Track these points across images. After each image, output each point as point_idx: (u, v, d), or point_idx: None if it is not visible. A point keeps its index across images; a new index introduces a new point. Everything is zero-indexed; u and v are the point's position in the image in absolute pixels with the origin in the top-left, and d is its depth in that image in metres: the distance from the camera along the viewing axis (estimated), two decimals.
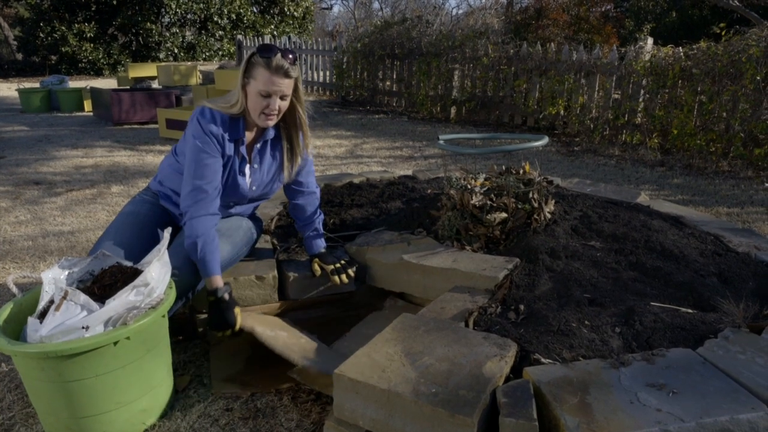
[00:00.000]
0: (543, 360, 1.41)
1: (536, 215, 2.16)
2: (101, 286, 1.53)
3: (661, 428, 1.14)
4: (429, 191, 2.79)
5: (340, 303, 2.16)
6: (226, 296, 1.74)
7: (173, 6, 15.56)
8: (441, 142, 2.46)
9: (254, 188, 1.98)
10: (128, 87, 8.20)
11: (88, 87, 7.86)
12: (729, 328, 1.53)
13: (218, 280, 1.76)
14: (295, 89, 1.83)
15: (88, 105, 7.96)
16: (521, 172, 2.39)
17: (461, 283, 1.88)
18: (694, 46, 5.30)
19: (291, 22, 18.27)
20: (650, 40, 6.04)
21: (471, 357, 1.40)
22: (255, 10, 17.83)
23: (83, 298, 1.39)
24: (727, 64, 4.93)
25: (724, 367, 1.35)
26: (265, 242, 2.26)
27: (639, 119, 5.75)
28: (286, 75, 1.74)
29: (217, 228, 1.84)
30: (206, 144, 1.77)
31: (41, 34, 14.78)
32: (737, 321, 1.58)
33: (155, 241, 1.74)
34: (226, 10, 16.74)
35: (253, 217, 2.14)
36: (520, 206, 2.16)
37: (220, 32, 17.11)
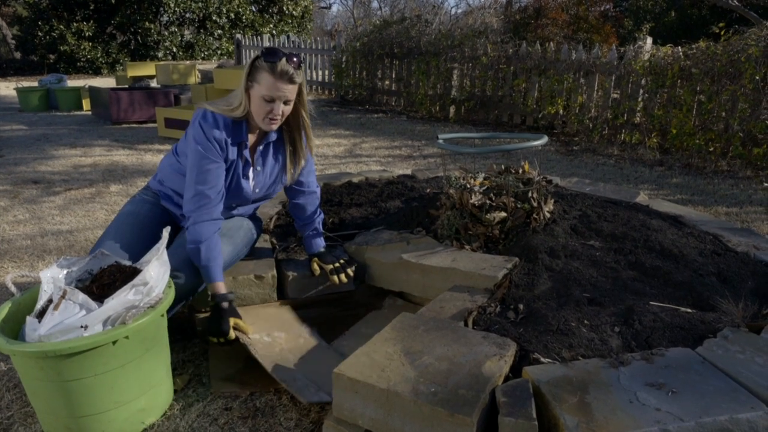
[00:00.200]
0: (542, 359, 1.41)
1: (535, 214, 2.16)
2: (100, 285, 1.52)
3: (661, 428, 1.14)
4: (428, 190, 2.79)
5: (339, 302, 2.15)
6: (225, 305, 1.74)
7: (172, 5, 15.53)
8: (440, 141, 2.46)
9: (257, 190, 1.98)
10: (127, 86, 8.19)
11: (87, 86, 7.85)
12: (728, 328, 1.53)
13: (220, 287, 1.76)
14: (299, 93, 1.81)
15: (86, 104, 7.94)
16: (520, 171, 2.39)
17: (460, 283, 1.88)
18: (693, 46, 5.30)
19: (290, 21, 18.26)
20: (649, 40, 6.04)
21: (470, 356, 1.40)
22: (254, 9, 17.81)
23: (82, 297, 1.39)
24: (726, 63, 4.93)
25: (723, 366, 1.35)
26: (264, 241, 2.26)
27: (638, 119, 5.75)
28: (291, 81, 1.72)
29: None
30: (209, 149, 1.76)
31: (39, 33, 14.76)
32: (736, 320, 1.58)
33: (156, 241, 1.73)
34: (224, 9, 16.72)
35: (253, 216, 2.14)
36: (519, 205, 2.16)
37: (218, 31, 17.09)
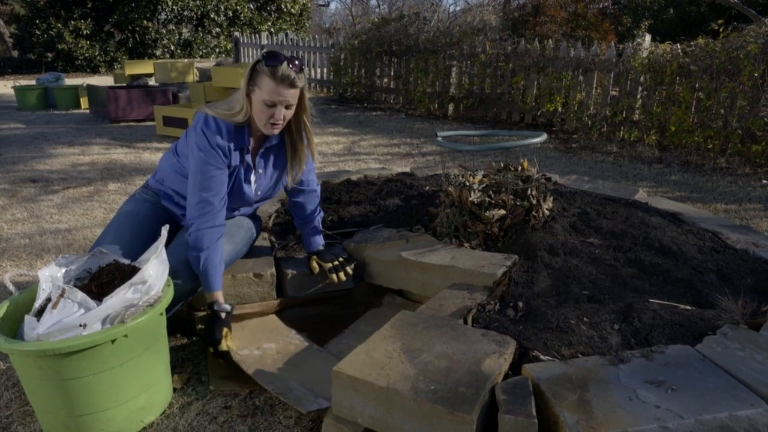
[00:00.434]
0: (542, 357, 1.41)
1: (534, 212, 2.16)
2: (98, 283, 1.52)
3: (660, 425, 1.14)
4: (427, 188, 2.78)
5: (338, 300, 2.15)
6: (222, 315, 1.74)
7: (170, 3, 15.49)
8: (439, 138, 2.46)
9: (259, 193, 1.98)
10: (125, 84, 8.17)
11: (85, 84, 7.83)
12: (727, 325, 1.53)
13: (218, 296, 1.76)
14: (301, 97, 1.79)
15: (84, 102, 7.92)
16: (519, 169, 2.39)
17: (460, 280, 1.88)
18: (692, 43, 5.30)
19: (288, 19, 18.21)
20: (648, 37, 6.03)
21: (470, 354, 1.40)
22: (252, 7, 17.76)
23: (80, 295, 1.39)
24: (725, 60, 4.92)
25: (722, 363, 1.35)
26: (263, 239, 2.25)
27: (637, 116, 5.75)
28: (292, 85, 1.71)
29: None
30: (212, 156, 1.75)
31: (37, 32, 14.71)
32: (736, 318, 1.58)
33: (155, 241, 1.73)
34: (222, 7, 16.67)
35: (252, 215, 2.14)
36: (518, 203, 2.16)
37: (216, 29, 17.04)
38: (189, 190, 1.79)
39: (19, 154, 5.08)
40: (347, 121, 7.14)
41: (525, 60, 6.58)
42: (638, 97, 5.72)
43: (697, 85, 5.18)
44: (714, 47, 5.05)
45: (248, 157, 1.85)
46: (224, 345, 1.71)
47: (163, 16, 16.24)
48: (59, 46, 14.58)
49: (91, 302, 1.39)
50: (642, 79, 5.66)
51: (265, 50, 2.02)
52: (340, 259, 2.06)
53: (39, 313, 1.41)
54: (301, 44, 9.96)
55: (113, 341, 1.40)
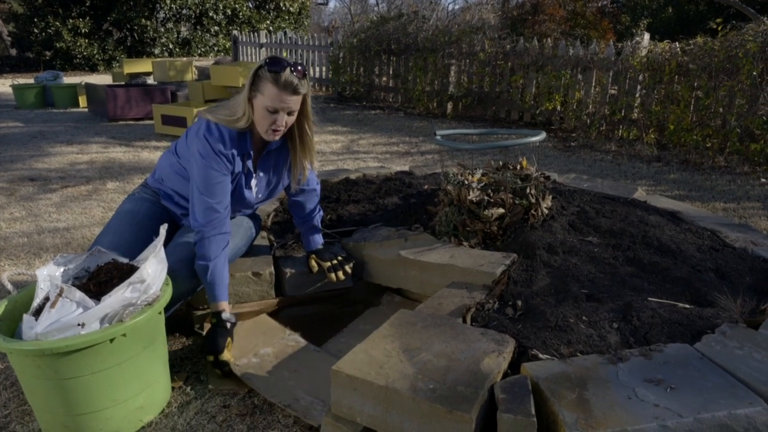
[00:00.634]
0: (541, 356, 1.41)
1: (533, 211, 2.16)
2: (97, 282, 1.52)
3: (659, 423, 1.14)
4: (426, 187, 2.78)
5: (337, 299, 2.15)
6: (228, 325, 1.74)
7: (168, 1, 15.46)
8: (438, 137, 2.46)
9: (260, 196, 1.98)
10: (123, 83, 8.15)
11: (83, 83, 7.82)
12: (726, 324, 1.53)
13: (224, 306, 1.75)
14: (303, 103, 1.78)
15: (83, 101, 7.91)
16: (518, 167, 2.39)
17: (458, 279, 1.88)
18: (690, 42, 5.30)
19: (287, 17, 18.19)
20: (647, 36, 6.03)
21: (469, 353, 1.40)
22: (250, 5, 17.74)
23: (79, 295, 1.38)
24: (724, 59, 4.92)
25: (721, 362, 1.35)
26: (261, 238, 2.25)
27: (635, 115, 5.75)
28: (295, 91, 1.69)
29: None
30: (216, 163, 1.74)
31: (35, 30, 14.68)
32: (734, 316, 1.58)
33: (154, 240, 1.73)
34: (221, 6, 16.65)
35: (252, 214, 2.14)
36: (517, 202, 2.16)
37: (215, 28, 17.01)
38: (192, 197, 1.78)
39: (18, 152, 5.07)
40: (346, 120, 7.14)
41: (524, 59, 6.58)
42: (637, 95, 5.72)
43: (695, 84, 5.18)
44: (713, 46, 5.05)
45: (249, 163, 1.85)
46: (226, 355, 1.71)
47: (161, 15, 16.22)
48: (57, 44, 14.56)
49: (90, 301, 1.39)
50: (641, 77, 5.66)
51: (267, 56, 2.01)
52: (339, 258, 2.05)
53: (37, 312, 1.41)
54: (299, 43, 9.95)
55: (112, 340, 1.40)
